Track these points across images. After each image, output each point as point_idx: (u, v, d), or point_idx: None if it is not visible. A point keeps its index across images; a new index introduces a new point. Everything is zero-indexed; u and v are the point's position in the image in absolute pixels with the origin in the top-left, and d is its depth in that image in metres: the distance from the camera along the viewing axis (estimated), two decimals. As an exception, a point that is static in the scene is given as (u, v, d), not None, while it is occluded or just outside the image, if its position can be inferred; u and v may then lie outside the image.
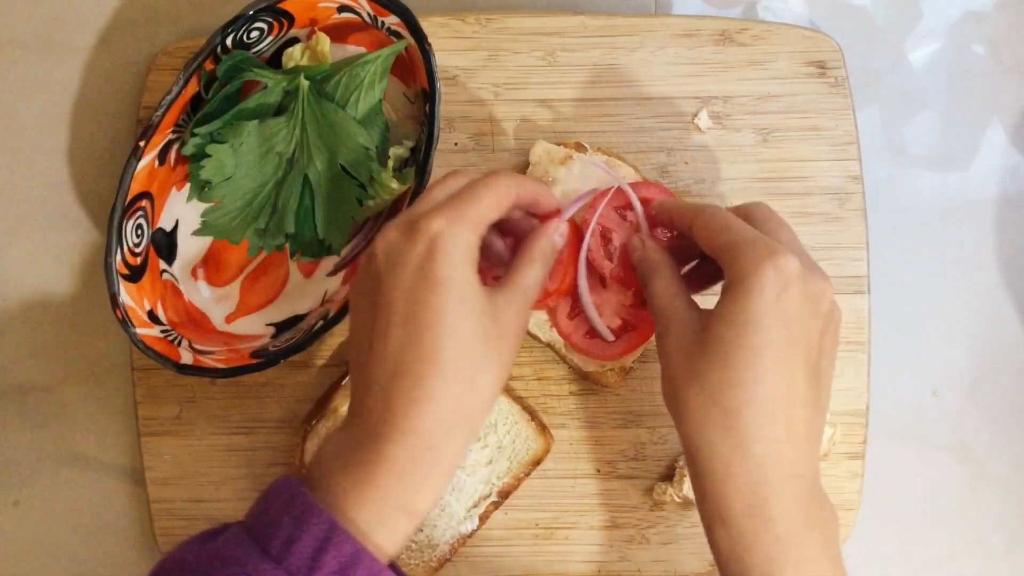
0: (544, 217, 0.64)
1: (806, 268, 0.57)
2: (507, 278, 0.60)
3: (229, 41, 0.68)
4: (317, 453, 0.57)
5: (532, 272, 0.60)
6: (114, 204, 0.67)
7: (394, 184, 0.70)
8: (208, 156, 0.70)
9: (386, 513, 0.54)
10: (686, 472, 0.74)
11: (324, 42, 0.71)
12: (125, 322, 0.67)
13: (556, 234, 0.63)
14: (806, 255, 0.60)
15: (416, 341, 0.54)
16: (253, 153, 0.71)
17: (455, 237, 0.55)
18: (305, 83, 0.70)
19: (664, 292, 0.62)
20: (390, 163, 0.71)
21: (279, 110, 0.71)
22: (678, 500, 0.75)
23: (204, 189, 0.72)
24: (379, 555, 0.53)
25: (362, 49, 0.73)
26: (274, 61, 0.73)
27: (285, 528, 0.52)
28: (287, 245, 0.73)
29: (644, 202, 0.72)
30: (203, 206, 0.73)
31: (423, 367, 0.53)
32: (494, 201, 0.58)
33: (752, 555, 0.56)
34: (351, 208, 0.71)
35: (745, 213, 0.62)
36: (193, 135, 0.70)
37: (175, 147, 0.71)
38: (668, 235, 0.68)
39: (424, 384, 0.53)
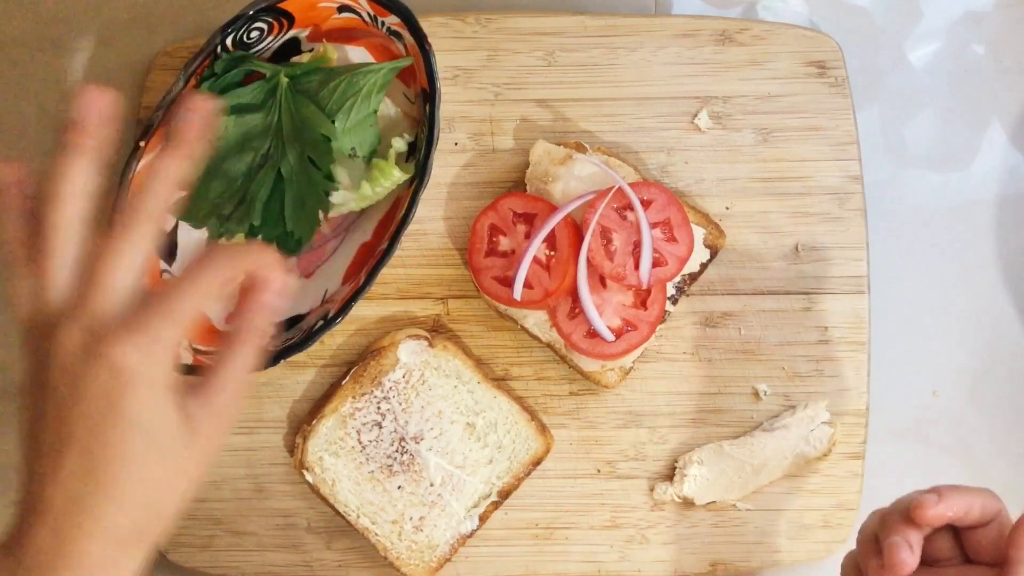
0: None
1: None
2: (208, 381, 0.52)
3: (229, 41, 0.67)
4: None
5: (238, 364, 0.52)
6: (114, 204, 0.67)
7: (397, 172, 0.70)
8: None
9: None
10: (686, 472, 0.74)
11: (331, 52, 0.72)
12: (125, 322, 0.67)
13: (276, 298, 0.54)
14: None
15: (94, 475, 0.49)
16: (229, 147, 0.71)
17: (148, 375, 0.49)
18: (285, 80, 0.70)
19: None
20: (392, 152, 0.71)
21: (259, 107, 0.71)
22: (678, 500, 0.75)
23: None
24: None
25: (363, 50, 0.74)
26: (274, 62, 0.73)
27: None
28: (260, 238, 0.73)
29: (644, 203, 0.73)
30: None
31: (100, 501, 0.49)
32: (197, 306, 0.51)
33: None
34: (319, 201, 0.71)
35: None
36: None
37: None
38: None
39: (100, 517, 0.49)
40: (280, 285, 0.53)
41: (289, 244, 0.73)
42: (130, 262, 0.50)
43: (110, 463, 0.49)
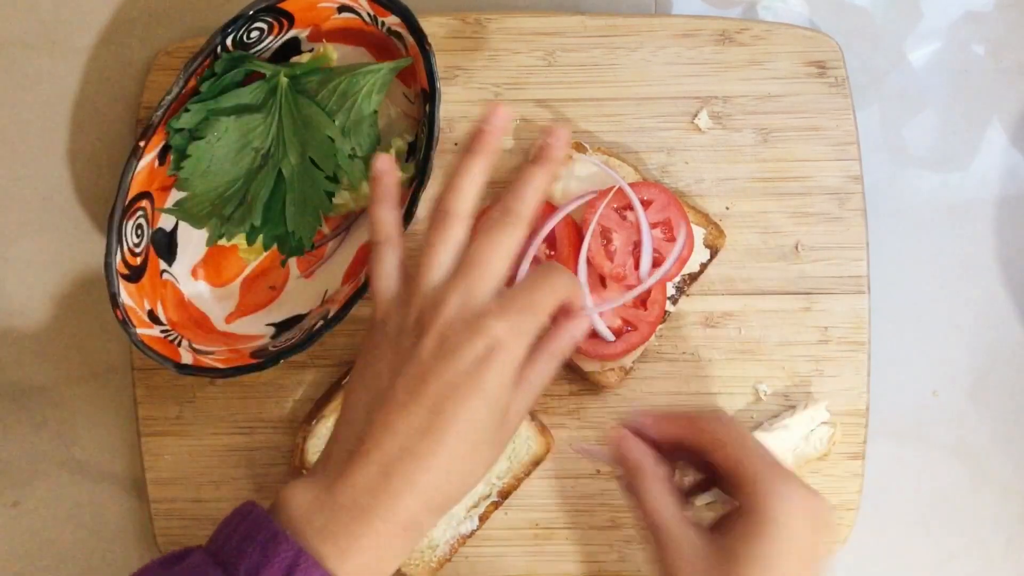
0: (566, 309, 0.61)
1: (805, 486, 0.57)
2: (527, 373, 0.57)
3: (229, 41, 0.67)
4: (283, 498, 0.56)
5: (549, 369, 0.59)
6: (114, 204, 0.67)
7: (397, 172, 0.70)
8: (189, 156, 0.70)
9: (353, 571, 0.53)
10: (686, 472, 0.74)
11: (331, 52, 0.72)
12: (125, 322, 0.67)
13: (580, 332, 0.60)
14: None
15: (437, 434, 0.54)
16: (230, 147, 0.71)
17: (514, 352, 0.55)
18: (284, 80, 0.70)
19: (662, 508, 0.59)
20: (392, 152, 0.71)
21: (258, 107, 0.71)
22: (678, 500, 0.75)
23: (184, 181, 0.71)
24: None
25: (363, 50, 0.73)
26: (274, 62, 0.73)
27: (251, 555, 0.52)
28: (260, 238, 0.73)
29: (644, 203, 0.73)
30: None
31: (433, 460, 0.54)
32: (552, 305, 0.57)
33: None
34: (320, 202, 0.71)
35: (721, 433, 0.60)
36: (178, 119, 0.70)
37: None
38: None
39: (428, 475, 0.54)
40: (586, 323, 0.61)
41: (290, 244, 0.73)
42: (506, 252, 0.57)
43: (455, 427, 0.54)
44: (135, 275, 0.69)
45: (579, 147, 0.74)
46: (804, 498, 0.56)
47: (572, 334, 0.60)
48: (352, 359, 0.76)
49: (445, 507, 0.55)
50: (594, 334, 0.72)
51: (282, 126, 0.71)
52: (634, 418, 0.61)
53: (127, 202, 0.68)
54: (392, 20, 0.69)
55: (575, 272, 0.72)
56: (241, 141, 0.71)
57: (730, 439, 0.58)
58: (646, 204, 0.72)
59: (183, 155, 0.70)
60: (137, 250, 0.70)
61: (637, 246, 0.72)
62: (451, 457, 0.54)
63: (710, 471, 0.61)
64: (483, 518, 0.75)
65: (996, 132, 0.78)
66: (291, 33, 0.71)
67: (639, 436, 0.61)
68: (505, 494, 0.75)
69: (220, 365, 0.69)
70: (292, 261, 0.75)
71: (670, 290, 0.74)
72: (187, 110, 0.69)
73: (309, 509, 0.54)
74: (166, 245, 0.73)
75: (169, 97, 0.67)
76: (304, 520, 0.54)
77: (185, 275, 0.74)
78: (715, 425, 0.59)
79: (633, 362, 0.75)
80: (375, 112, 0.71)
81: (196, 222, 0.73)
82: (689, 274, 0.74)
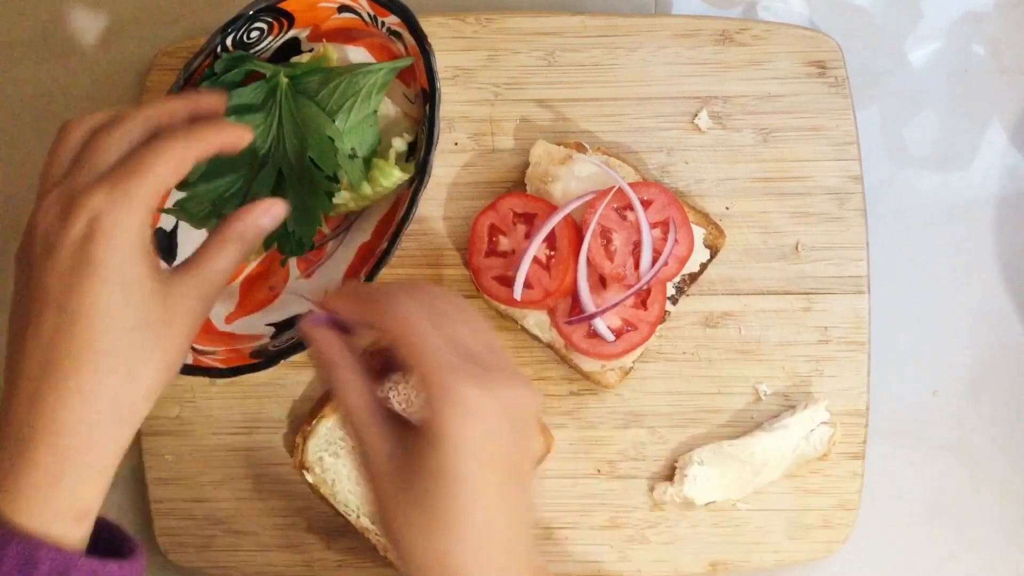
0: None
1: (484, 382, 0.49)
2: (192, 260, 0.53)
3: (229, 41, 0.67)
4: None
5: (222, 256, 0.54)
6: None
7: (397, 172, 0.70)
8: None
9: (50, 520, 0.49)
10: (686, 472, 0.74)
11: (331, 52, 0.71)
12: (125, 322, 0.67)
13: (265, 216, 0.55)
14: (478, 340, 0.52)
15: (68, 331, 0.49)
16: None
17: (119, 220, 0.50)
18: (284, 80, 0.70)
19: (355, 401, 0.52)
20: (392, 152, 0.71)
21: (259, 107, 0.71)
22: (678, 500, 0.75)
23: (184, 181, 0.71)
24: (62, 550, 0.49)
25: (363, 50, 0.73)
26: (274, 62, 0.73)
27: None
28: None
29: (644, 203, 0.73)
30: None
31: (74, 361, 0.49)
32: (169, 169, 0.51)
33: None
34: (320, 202, 0.71)
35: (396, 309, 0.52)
36: None
37: None
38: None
39: (74, 379, 0.49)
40: (277, 209, 0.56)
41: (290, 244, 0.73)
42: (117, 147, 0.52)
43: (83, 317, 0.49)
44: (135, 275, 0.69)
45: (579, 147, 0.74)
46: (482, 401, 0.49)
47: (251, 217, 0.55)
48: (352, 359, 0.76)
49: (117, 420, 0.51)
50: (594, 334, 0.72)
51: (282, 126, 0.71)
52: (320, 303, 0.54)
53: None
54: (392, 20, 0.69)
55: (575, 272, 0.72)
56: None
57: (398, 330, 0.50)
58: (646, 204, 0.72)
59: None
60: (137, 250, 0.70)
61: (637, 246, 0.72)
62: (102, 352, 0.49)
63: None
64: (483, 518, 0.75)
65: (996, 132, 0.78)
66: (291, 33, 0.71)
67: (334, 321, 0.54)
68: (505, 494, 0.75)
69: (220, 365, 0.69)
70: (292, 261, 0.75)
71: (670, 290, 0.74)
72: None
73: None
74: (166, 245, 0.73)
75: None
76: None
77: (185, 275, 0.74)
78: (384, 312, 0.51)
79: (633, 362, 0.75)
80: (375, 112, 0.71)
81: (196, 222, 0.73)
82: (689, 274, 0.74)
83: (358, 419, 0.52)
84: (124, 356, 0.50)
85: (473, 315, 0.53)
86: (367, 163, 0.71)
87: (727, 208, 0.76)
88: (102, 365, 0.50)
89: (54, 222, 0.50)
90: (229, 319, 0.74)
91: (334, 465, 0.74)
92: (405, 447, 0.50)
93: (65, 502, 0.50)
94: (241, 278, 0.75)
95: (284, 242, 0.72)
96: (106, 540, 0.53)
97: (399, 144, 0.72)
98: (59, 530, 0.50)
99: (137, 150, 0.52)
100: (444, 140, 0.75)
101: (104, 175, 0.51)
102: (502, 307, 0.74)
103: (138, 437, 0.77)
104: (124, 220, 0.50)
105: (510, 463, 0.51)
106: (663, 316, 0.73)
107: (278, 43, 0.72)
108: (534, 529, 0.56)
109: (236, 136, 0.56)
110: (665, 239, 0.72)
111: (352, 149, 0.71)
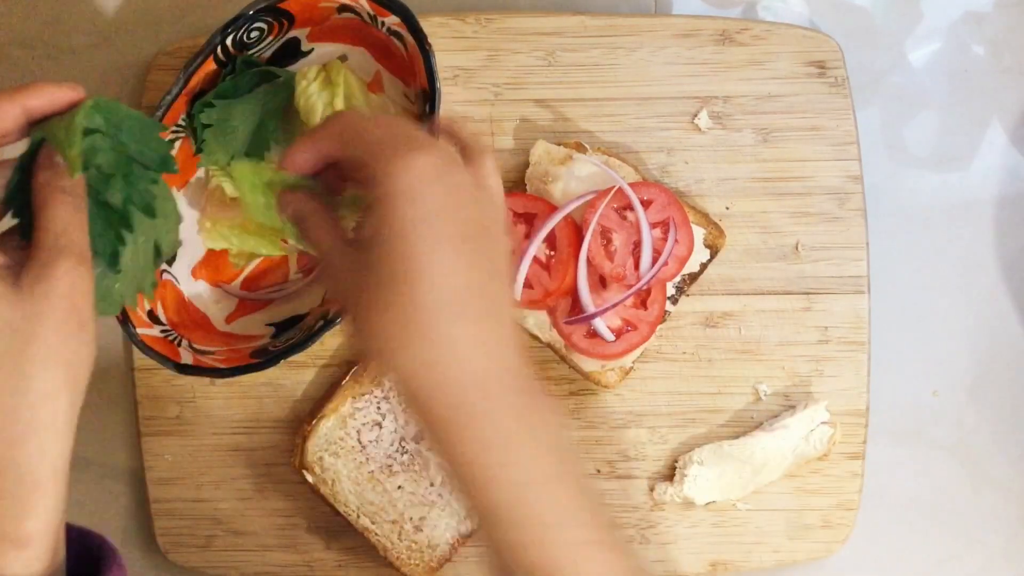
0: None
1: (442, 160, 0.49)
2: (32, 243, 0.47)
3: (229, 41, 0.67)
4: None
5: (54, 222, 0.47)
6: None
7: None
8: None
9: None
10: (686, 472, 0.74)
11: (339, 70, 0.71)
12: (125, 322, 0.67)
13: (37, 99, 0.49)
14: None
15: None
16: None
17: None
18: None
19: (325, 239, 0.52)
20: None
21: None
22: (678, 500, 0.75)
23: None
24: None
25: (363, 50, 0.73)
26: (274, 61, 0.73)
27: None
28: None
29: (644, 203, 0.73)
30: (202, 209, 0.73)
31: None
32: None
33: (463, 445, 0.49)
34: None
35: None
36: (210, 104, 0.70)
37: (176, 147, 0.71)
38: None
39: None
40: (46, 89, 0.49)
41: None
42: None
43: None
44: (135, 275, 0.69)
45: (579, 147, 0.74)
46: (426, 165, 0.48)
47: (42, 167, 0.48)
48: (353, 359, 0.76)
49: (19, 438, 0.47)
50: (594, 334, 0.72)
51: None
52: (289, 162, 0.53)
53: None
54: (392, 20, 0.69)
55: (575, 272, 0.72)
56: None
57: (344, 131, 0.51)
58: (646, 204, 0.72)
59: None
60: (137, 250, 0.70)
61: (637, 246, 0.72)
62: None
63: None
64: (483, 518, 0.75)
65: (996, 132, 0.78)
66: (291, 33, 0.71)
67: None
68: (505, 494, 0.75)
69: (220, 365, 0.69)
70: (292, 261, 0.75)
71: (670, 290, 0.74)
72: (212, 104, 0.69)
73: None
74: (166, 245, 0.73)
75: (169, 97, 0.67)
76: None
77: (185, 275, 0.74)
78: (331, 125, 0.52)
79: (633, 362, 0.75)
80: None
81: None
82: (689, 274, 0.74)
83: (326, 247, 0.51)
84: None
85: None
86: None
87: (727, 208, 0.76)
88: None
89: None
90: (229, 319, 0.74)
91: (334, 465, 0.74)
92: (361, 243, 0.49)
93: (2, 529, 0.46)
94: (241, 278, 0.75)
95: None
96: (86, 553, 0.51)
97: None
98: (3, 556, 0.46)
99: None
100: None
101: None
102: (502, 307, 0.74)
103: (138, 437, 0.77)
104: None
105: (471, 221, 0.49)
106: (663, 316, 0.73)
107: (278, 43, 0.72)
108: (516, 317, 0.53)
109: (56, 94, 0.49)
110: (665, 239, 0.72)
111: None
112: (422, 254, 0.48)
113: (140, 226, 0.52)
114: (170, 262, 0.73)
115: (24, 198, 0.49)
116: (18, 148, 0.50)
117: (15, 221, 0.50)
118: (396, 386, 0.50)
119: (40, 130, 0.50)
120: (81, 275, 0.47)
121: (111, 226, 0.51)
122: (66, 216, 0.48)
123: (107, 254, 0.51)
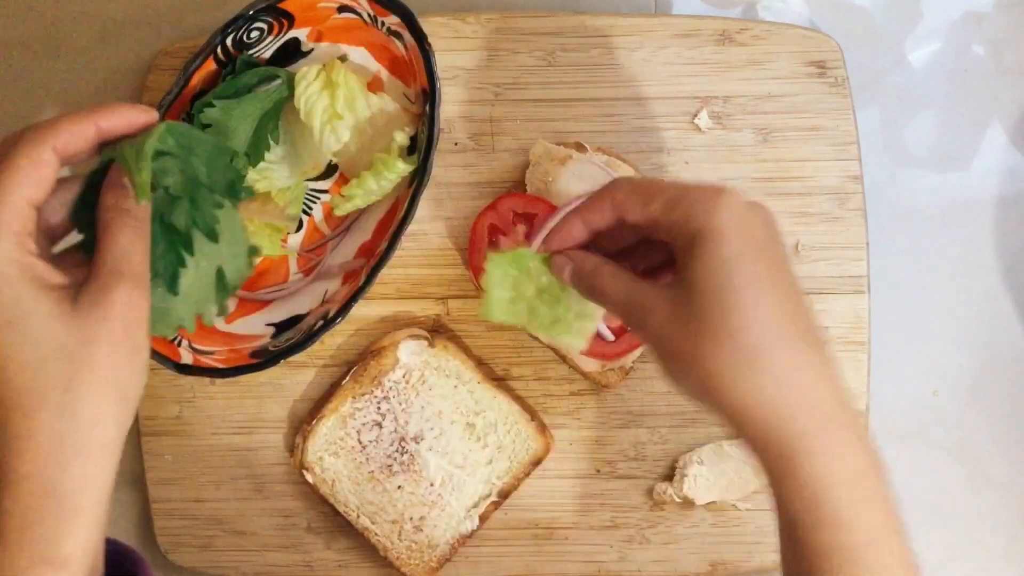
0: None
1: (744, 197, 0.52)
2: (92, 264, 0.48)
3: (229, 41, 0.68)
4: None
5: (115, 244, 0.48)
6: None
7: (400, 164, 0.70)
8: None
9: (24, 567, 0.46)
10: (686, 472, 0.74)
11: (339, 70, 0.71)
12: (125, 322, 0.67)
13: (116, 120, 0.49)
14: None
15: None
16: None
17: None
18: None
19: (619, 286, 0.54)
20: (395, 146, 0.71)
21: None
22: (678, 500, 0.75)
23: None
24: None
25: (363, 50, 0.73)
26: (274, 61, 0.73)
27: None
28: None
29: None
30: None
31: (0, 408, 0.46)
32: (33, 179, 0.47)
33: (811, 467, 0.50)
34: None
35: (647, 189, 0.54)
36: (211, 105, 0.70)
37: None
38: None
39: (10, 426, 0.46)
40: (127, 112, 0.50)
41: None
42: None
43: None
44: (135, 275, 0.69)
45: (579, 147, 0.74)
46: (739, 201, 0.51)
47: (110, 188, 0.49)
48: (353, 359, 0.76)
49: (72, 458, 0.47)
50: (594, 334, 0.72)
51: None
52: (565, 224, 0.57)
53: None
54: (392, 20, 0.69)
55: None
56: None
57: (632, 192, 0.53)
58: (646, 204, 0.72)
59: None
60: (137, 250, 0.69)
61: (637, 246, 0.72)
62: (20, 392, 0.46)
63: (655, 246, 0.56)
64: (483, 518, 0.75)
65: (996, 132, 0.78)
66: (291, 33, 0.71)
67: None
68: (505, 494, 0.75)
69: (220, 365, 0.69)
70: (292, 261, 0.75)
71: (670, 290, 0.74)
72: (212, 104, 0.69)
73: None
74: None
75: (169, 97, 0.67)
76: None
77: (185, 275, 0.74)
78: (611, 193, 0.54)
79: (633, 362, 0.75)
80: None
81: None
82: (689, 274, 0.74)
83: (627, 293, 0.53)
84: (45, 392, 0.46)
85: None
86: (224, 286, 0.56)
87: (727, 208, 0.76)
88: (26, 405, 0.46)
89: None
90: (229, 319, 0.74)
91: (334, 465, 0.74)
92: (678, 283, 0.51)
93: (38, 549, 0.47)
94: (241, 278, 0.75)
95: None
96: (118, 563, 0.51)
97: (401, 138, 0.72)
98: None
99: None
100: (444, 140, 0.75)
101: None
102: (502, 307, 0.74)
103: (138, 437, 0.77)
104: None
105: (774, 250, 0.52)
106: (663, 316, 0.73)
107: (278, 43, 0.72)
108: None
109: (126, 113, 0.50)
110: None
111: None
112: (751, 284, 0.49)
113: (202, 250, 0.52)
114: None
115: (90, 214, 0.49)
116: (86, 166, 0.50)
117: (80, 237, 0.50)
118: (727, 422, 0.51)
119: (111, 150, 0.50)
120: (138, 301, 0.48)
121: (173, 248, 0.51)
122: (128, 240, 0.48)
123: (167, 276, 0.51)
